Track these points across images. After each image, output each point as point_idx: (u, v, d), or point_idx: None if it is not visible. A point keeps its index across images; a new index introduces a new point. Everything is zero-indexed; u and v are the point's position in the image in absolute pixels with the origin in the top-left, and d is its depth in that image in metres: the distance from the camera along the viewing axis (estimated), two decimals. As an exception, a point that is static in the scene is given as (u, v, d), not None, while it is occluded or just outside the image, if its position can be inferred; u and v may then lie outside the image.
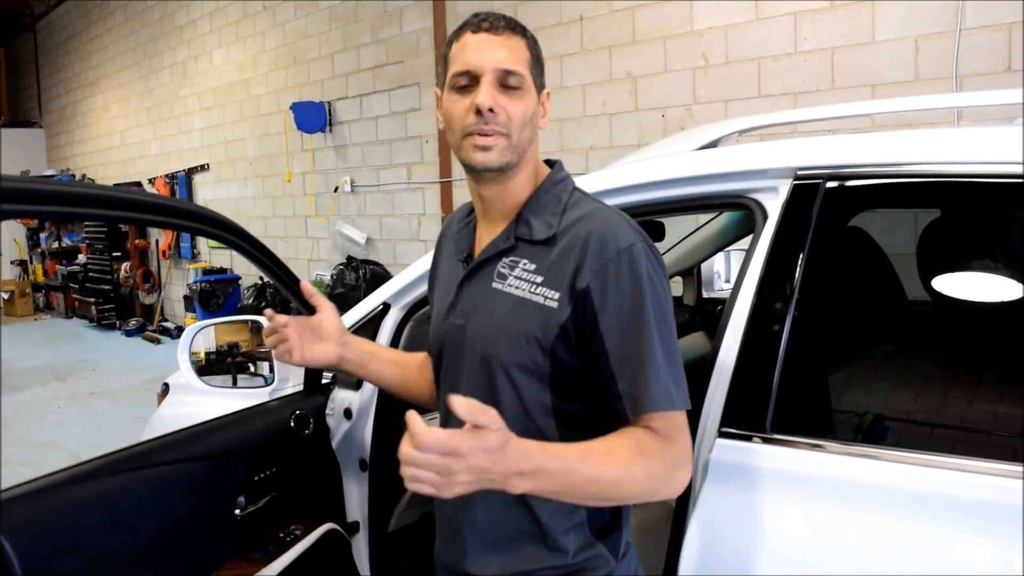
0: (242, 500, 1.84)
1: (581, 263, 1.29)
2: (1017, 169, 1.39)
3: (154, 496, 1.62)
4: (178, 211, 1.60)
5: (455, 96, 1.35)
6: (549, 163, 1.48)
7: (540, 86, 1.40)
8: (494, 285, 1.38)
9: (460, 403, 1.08)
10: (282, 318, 1.67)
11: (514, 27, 1.37)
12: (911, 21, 4.23)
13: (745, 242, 3.32)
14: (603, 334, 1.28)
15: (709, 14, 5.03)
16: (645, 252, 1.30)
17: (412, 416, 1.11)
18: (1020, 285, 1.60)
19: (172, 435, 1.76)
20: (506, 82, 1.33)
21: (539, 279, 1.33)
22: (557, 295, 1.31)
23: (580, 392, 1.35)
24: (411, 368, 1.78)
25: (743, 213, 2.99)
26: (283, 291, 1.93)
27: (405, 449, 1.09)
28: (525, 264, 1.36)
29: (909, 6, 4.22)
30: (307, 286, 1.80)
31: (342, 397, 2.30)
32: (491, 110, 1.31)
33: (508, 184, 1.40)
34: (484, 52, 1.32)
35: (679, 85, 5.24)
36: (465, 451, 1.08)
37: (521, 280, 1.35)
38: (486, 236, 1.45)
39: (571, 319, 1.30)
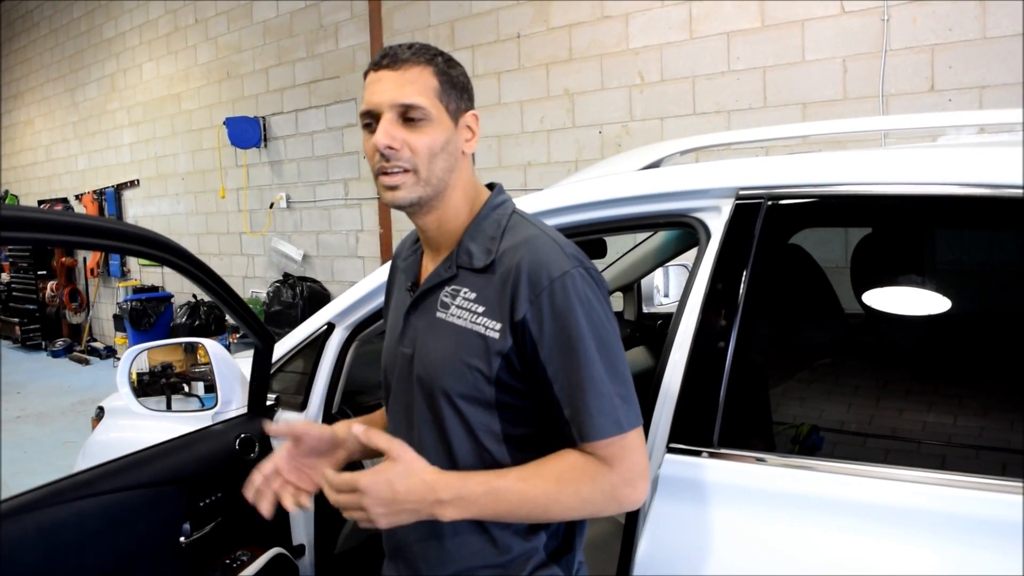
0: (187, 527, 1.81)
1: (516, 294, 1.29)
2: (952, 190, 1.45)
3: (97, 527, 1.58)
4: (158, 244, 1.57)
5: (366, 135, 1.35)
6: (490, 186, 1.47)
7: (460, 110, 1.37)
8: (438, 315, 1.38)
9: (358, 428, 1.30)
10: (268, 469, 1.44)
11: (419, 55, 1.33)
12: (839, 42, 4.37)
13: (683, 257, 3.40)
14: (544, 363, 1.29)
15: (644, 33, 5.13)
16: (581, 277, 1.30)
17: (326, 471, 1.30)
18: (953, 299, 1.67)
19: (114, 462, 1.72)
20: (407, 116, 1.31)
21: (480, 308, 1.33)
22: (499, 325, 1.30)
23: (529, 417, 1.36)
24: None
25: (682, 231, 3.05)
26: (235, 320, 1.92)
27: (327, 492, 1.29)
28: (466, 293, 1.36)
29: (837, 27, 4.37)
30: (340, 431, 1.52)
31: (286, 418, 2.27)
32: (390, 147, 1.29)
33: (438, 214, 1.39)
34: (382, 90, 1.31)
35: (616, 102, 5.32)
36: (362, 487, 1.23)
37: (462, 309, 1.35)
38: (430, 264, 1.45)
39: (513, 349, 1.30)
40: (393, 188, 1.32)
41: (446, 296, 1.38)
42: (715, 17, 4.81)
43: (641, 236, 3.44)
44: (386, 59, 1.33)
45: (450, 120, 1.36)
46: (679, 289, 3.80)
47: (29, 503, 1.49)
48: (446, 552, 1.37)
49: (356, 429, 1.29)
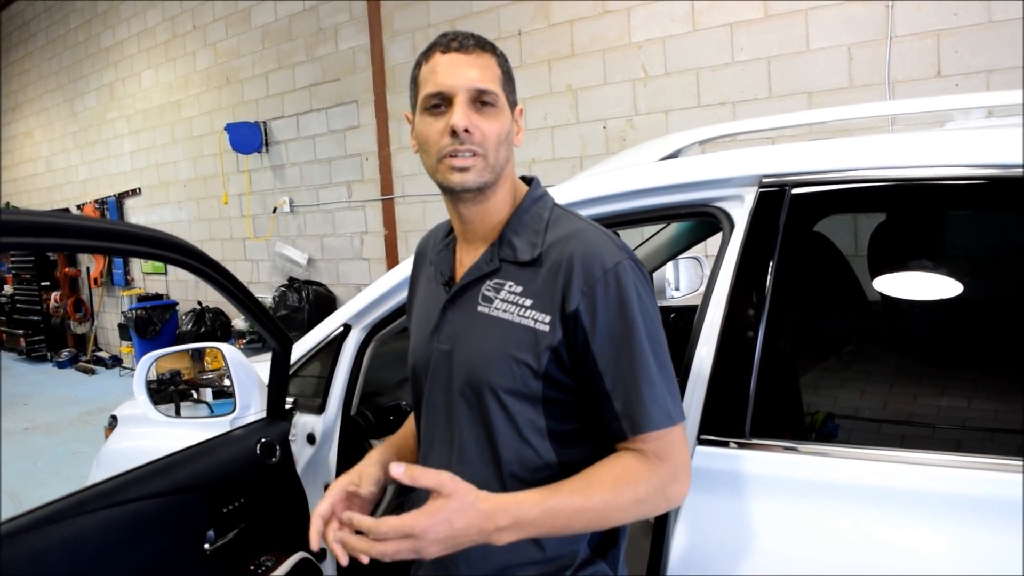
0: (211, 534, 1.79)
1: (568, 285, 1.28)
2: (986, 171, 1.42)
3: (122, 536, 1.56)
4: (150, 240, 1.53)
5: (428, 118, 1.33)
6: (525, 180, 1.46)
7: (513, 103, 1.39)
8: (479, 309, 1.36)
9: (398, 470, 1.16)
10: (324, 510, 1.35)
11: (483, 45, 1.34)
12: (844, 30, 4.35)
13: (694, 250, 3.38)
14: (595, 355, 1.27)
15: (646, 26, 5.10)
16: (631, 269, 1.29)
17: (353, 517, 1.20)
18: (985, 283, 1.64)
19: (136, 470, 1.70)
20: (480, 101, 1.31)
21: (528, 302, 1.31)
22: (548, 318, 1.29)
23: (575, 412, 1.34)
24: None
25: (694, 222, 3.03)
26: (253, 322, 1.90)
27: (366, 547, 1.17)
28: (511, 287, 1.34)
29: (841, 15, 4.34)
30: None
31: (304, 422, 2.25)
32: (467, 130, 1.28)
33: (487, 204, 1.38)
34: (456, 72, 1.30)
35: (619, 97, 5.30)
36: (419, 531, 1.15)
37: (508, 303, 1.33)
38: (467, 258, 1.43)
39: (563, 342, 1.29)
40: (463, 170, 1.31)
41: (488, 290, 1.36)
42: (717, 8, 4.79)
43: (650, 230, 3.42)
44: (455, 43, 1.32)
45: (509, 111, 1.36)
46: (690, 282, 3.77)
47: (54, 514, 1.47)
48: (488, 550, 1.34)
49: (396, 471, 1.17)
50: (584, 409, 1.33)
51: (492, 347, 1.32)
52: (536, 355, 1.29)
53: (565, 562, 1.35)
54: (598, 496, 1.23)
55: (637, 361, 1.26)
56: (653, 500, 1.27)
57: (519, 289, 1.33)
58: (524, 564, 1.34)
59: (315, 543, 1.32)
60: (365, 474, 1.45)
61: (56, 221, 1.29)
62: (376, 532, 1.15)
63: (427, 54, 1.36)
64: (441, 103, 1.31)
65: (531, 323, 1.30)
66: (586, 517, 1.24)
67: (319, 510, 1.35)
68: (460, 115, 1.29)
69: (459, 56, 1.31)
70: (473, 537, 1.19)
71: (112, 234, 1.43)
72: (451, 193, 1.36)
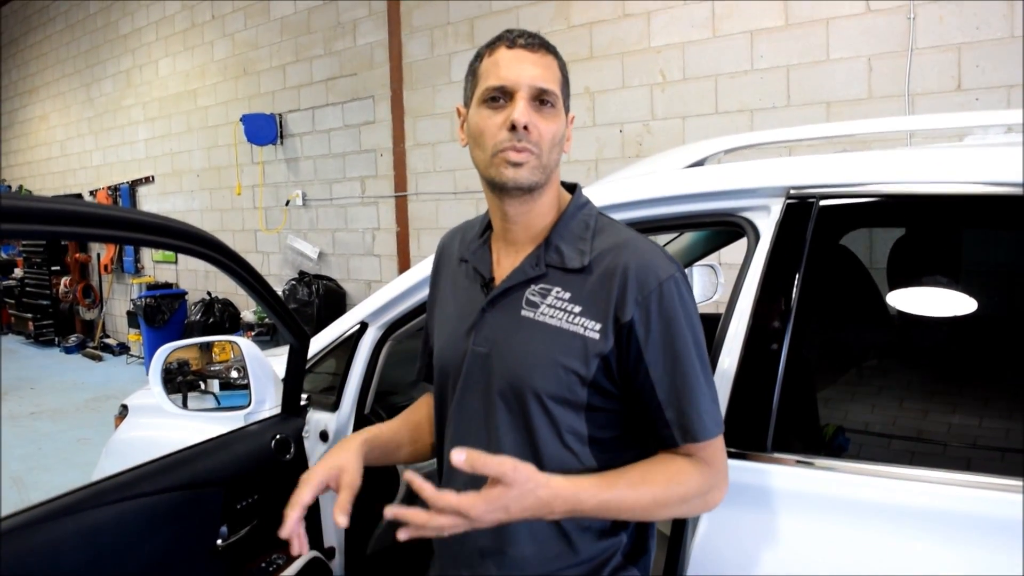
0: (224, 529, 1.78)
1: (623, 295, 1.28)
2: (1017, 190, 1.41)
3: (137, 529, 1.55)
4: (174, 232, 1.51)
5: (486, 111, 1.32)
6: (567, 186, 1.46)
7: (567, 108, 1.38)
8: (523, 313, 1.35)
9: (459, 457, 1.12)
10: (309, 501, 1.33)
11: (547, 46, 1.34)
12: (864, 40, 4.33)
13: (708, 258, 3.36)
14: (648, 365, 1.28)
15: (666, 31, 5.09)
16: (683, 281, 1.31)
17: (414, 479, 1.16)
18: (1012, 299, 1.63)
19: (153, 463, 1.69)
20: (540, 100, 1.30)
21: (576, 308, 1.31)
22: (599, 326, 1.29)
23: (615, 420, 1.35)
24: (424, 431, 1.65)
25: (710, 231, 3.01)
26: (271, 317, 1.89)
27: (424, 520, 1.14)
28: (558, 292, 1.33)
29: (862, 26, 4.33)
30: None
31: (317, 419, 2.24)
32: (526, 127, 1.28)
33: (533, 205, 1.37)
34: (520, 68, 1.30)
35: (637, 101, 5.28)
36: (475, 516, 1.15)
37: (555, 309, 1.32)
38: (506, 260, 1.42)
39: (614, 351, 1.29)
40: (518, 165, 1.30)
41: (533, 295, 1.35)
42: (738, 15, 4.77)
43: (666, 238, 3.40)
44: (521, 39, 1.32)
45: (564, 116, 1.36)
46: (704, 290, 3.75)
47: (70, 505, 1.46)
48: (523, 560, 1.35)
49: (456, 459, 1.12)
50: (626, 417, 1.34)
51: (538, 352, 1.32)
52: (585, 362, 1.29)
53: (595, 571, 1.36)
54: (650, 494, 1.26)
55: (689, 372, 1.28)
56: (695, 503, 1.31)
57: (567, 295, 1.33)
58: (559, 571, 1.35)
59: (289, 530, 1.28)
60: (349, 468, 1.39)
61: (79, 209, 1.28)
62: (435, 503, 1.14)
63: (491, 47, 1.35)
64: (501, 97, 1.31)
65: (580, 330, 1.30)
66: (633, 510, 1.27)
67: (302, 500, 1.32)
68: (522, 110, 1.28)
69: (524, 52, 1.31)
70: (526, 518, 1.20)
71: (143, 226, 1.42)
72: (501, 189, 1.34)
